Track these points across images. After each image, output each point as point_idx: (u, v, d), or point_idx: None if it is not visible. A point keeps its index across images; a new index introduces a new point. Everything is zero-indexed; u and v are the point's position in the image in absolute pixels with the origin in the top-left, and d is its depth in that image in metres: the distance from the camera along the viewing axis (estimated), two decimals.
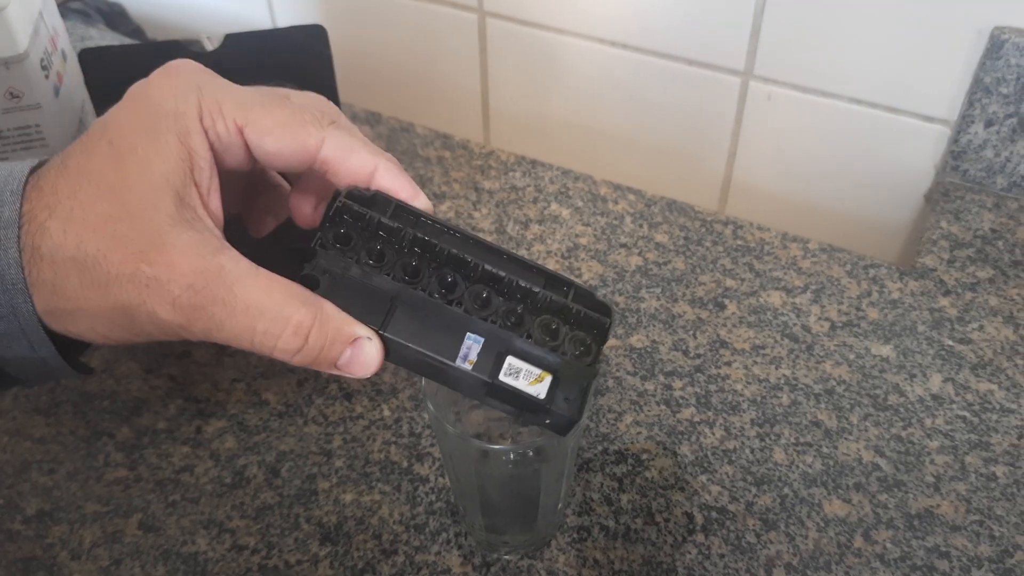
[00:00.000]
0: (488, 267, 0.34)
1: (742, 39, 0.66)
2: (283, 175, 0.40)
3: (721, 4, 0.65)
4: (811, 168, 0.70)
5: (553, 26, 0.73)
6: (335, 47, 0.55)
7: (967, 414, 0.49)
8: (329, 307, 0.32)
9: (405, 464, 0.47)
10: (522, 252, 0.60)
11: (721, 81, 0.69)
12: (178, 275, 0.30)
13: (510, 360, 0.33)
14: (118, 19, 0.92)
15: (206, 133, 0.33)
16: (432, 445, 0.48)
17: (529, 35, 0.75)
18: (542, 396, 0.33)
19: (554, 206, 0.64)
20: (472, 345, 0.33)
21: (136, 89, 0.34)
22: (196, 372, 0.53)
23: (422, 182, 0.66)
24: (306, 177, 0.38)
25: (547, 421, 0.33)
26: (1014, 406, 0.49)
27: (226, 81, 0.34)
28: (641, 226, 0.62)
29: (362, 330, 0.33)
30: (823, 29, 0.63)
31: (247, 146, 0.34)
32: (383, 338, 0.33)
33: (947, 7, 0.58)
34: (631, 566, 0.43)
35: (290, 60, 0.53)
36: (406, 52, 0.82)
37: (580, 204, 0.64)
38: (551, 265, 0.59)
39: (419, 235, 0.34)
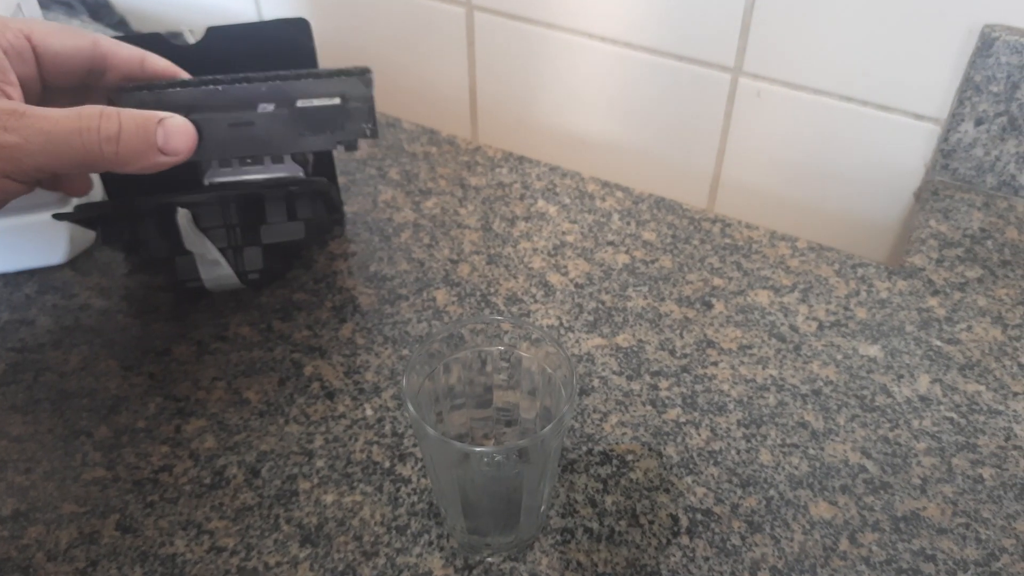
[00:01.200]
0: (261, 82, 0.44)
1: (732, 35, 0.65)
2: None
3: (711, 0, 0.64)
4: (800, 166, 0.70)
5: (541, 21, 0.72)
6: (321, 41, 0.54)
7: (954, 415, 0.49)
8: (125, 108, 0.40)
9: (387, 464, 0.47)
10: (508, 250, 0.60)
11: (710, 77, 0.68)
12: None
13: (300, 102, 0.41)
14: (102, 10, 0.91)
15: (4, 43, 0.40)
16: (415, 445, 0.48)
17: (517, 30, 0.74)
18: (338, 101, 0.41)
19: (541, 203, 0.63)
20: (266, 106, 0.42)
21: None
22: (176, 370, 0.52)
23: (408, 178, 0.66)
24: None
25: (351, 126, 0.41)
26: (1002, 407, 0.49)
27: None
28: (628, 224, 0.61)
29: (161, 111, 0.40)
30: (813, 26, 0.62)
31: (35, 52, 0.41)
32: (192, 121, 0.41)
33: (938, 5, 0.58)
34: (615, 569, 0.42)
35: (273, 53, 0.53)
36: (392, 46, 0.81)
37: (567, 201, 0.63)
38: (537, 263, 0.58)
39: (192, 86, 0.43)
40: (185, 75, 0.46)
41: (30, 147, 0.37)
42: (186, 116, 0.40)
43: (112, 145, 0.38)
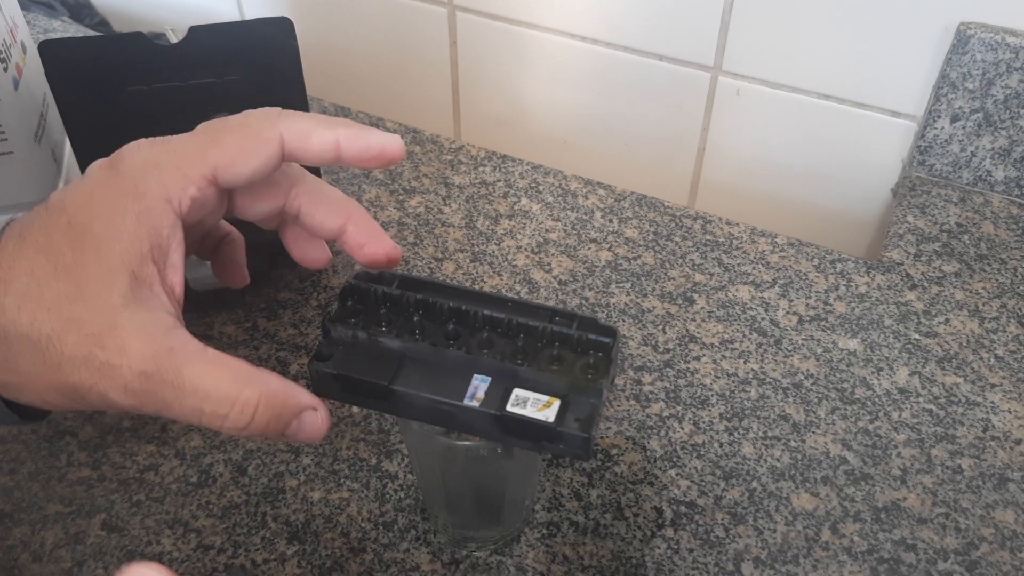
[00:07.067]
0: (488, 312, 0.35)
1: (711, 34, 0.66)
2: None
3: (691, 0, 0.65)
4: (779, 163, 0.70)
5: (523, 21, 0.73)
6: (304, 41, 0.54)
7: (933, 407, 0.49)
8: (275, 382, 0.33)
9: (374, 461, 0.47)
10: (492, 247, 0.60)
11: (691, 76, 0.69)
12: (130, 360, 0.31)
13: (516, 391, 0.34)
14: (83, 11, 0.91)
15: (178, 205, 0.33)
16: (401, 442, 0.48)
17: (499, 30, 0.74)
18: (551, 420, 0.33)
19: (524, 201, 0.64)
20: (479, 384, 0.35)
21: (96, 170, 0.34)
22: None
23: (392, 177, 0.66)
24: (285, 222, 0.39)
25: (561, 446, 0.34)
26: (979, 399, 0.50)
27: (177, 140, 0.35)
28: (611, 221, 0.62)
29: (307, 399, 0.33)
30: (791, 24, 0.63)
31: (221, 188, 0.35)
32: (392, 391, 0.35)
33: (914, 3, 0.58)
34: (600, 561, 0.43)
35: (255, 53, 0.53)
36: (376, 46, 0.82)
37: (550, 199, 0.64)
38: (521, 261, 0.59)
39: (420, 297, 0.36)
40: (389, 145, 0.36)
41: (143, 410, 0.32)
42: (387, 385, 0.35)
43: (234, 431, 0.33)
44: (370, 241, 0.38)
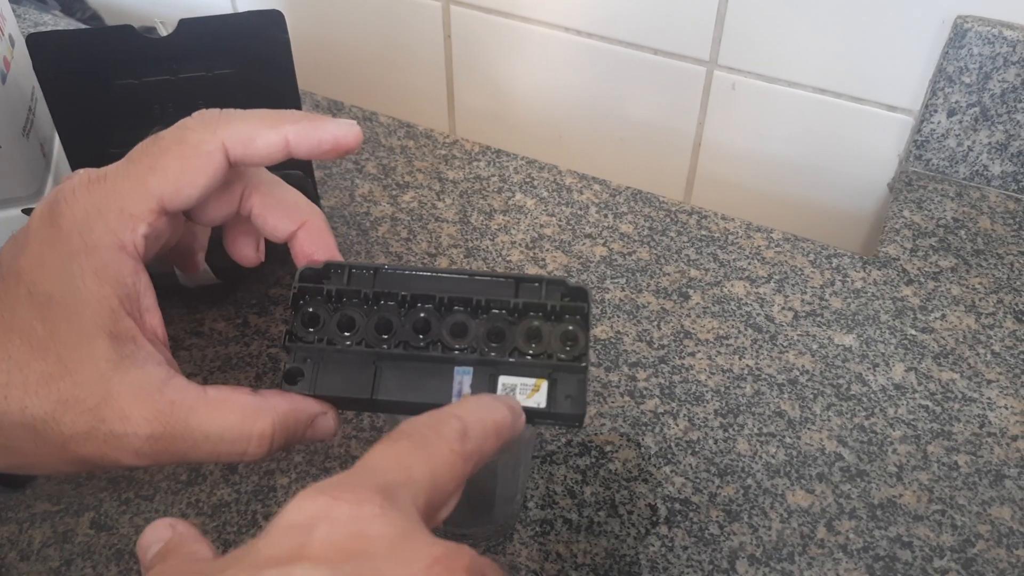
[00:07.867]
0: (454, 295, 0.34)
1: (707, 28, 0.65)
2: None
3: None
4: (775, 158, 0.70)
5: (518, 14, 0.72)
6: (296, 34, 0.53)
7: (929, 403, 0.49)
8: (281, 403, 0.32)
9: None
10: (486, 243, 0.59)
11: (686, 70, 0.68)
12: (134, 426, 0.30)
13: (502, 380, 0.34)
14: (74, 5, 0.90)
15: (133, 249, 0.32)
16: None
17: (494, 23, 0.74)
18: (543, 404, 0.33)
19: (519, 196, 0.63)
20: (463, 379, 0.34)
21: (37, 225, 0.32)
22: None
23: (386, 172, 0.65)
24: (232, 219, 0.37)
25: (557, 424, 0.34)
26: (976, 395, 0.49)
27: (114, 176, 0.32)
28: (606, 216, 0.62)
29: (314, 408, 0.33)
30: (787, 18, 0.62)
31: (172, 214, 0.33)
32: (376, 402, 0.34)
33: None
34: (594, 559, 0.43)
35: (246, 46, 0.52)
36: (369, 40, 0.81)
37: (545, 194, 0.63)
38: (515, 256, 0.58)
39: (379, 290, 0.34)
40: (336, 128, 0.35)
41: (160, 465, 0.32)
42: (369, 397, 0.34)
43: (255, 460, 0.33)
44: (318, 252, 0.36)
